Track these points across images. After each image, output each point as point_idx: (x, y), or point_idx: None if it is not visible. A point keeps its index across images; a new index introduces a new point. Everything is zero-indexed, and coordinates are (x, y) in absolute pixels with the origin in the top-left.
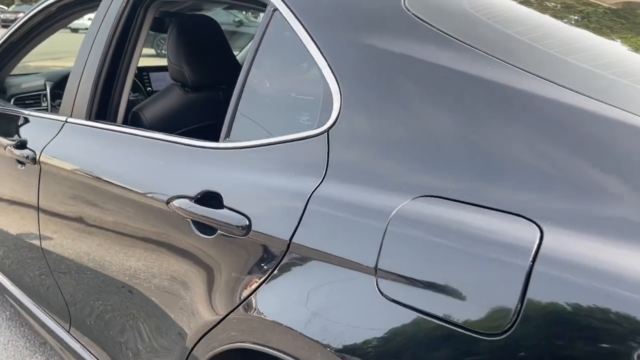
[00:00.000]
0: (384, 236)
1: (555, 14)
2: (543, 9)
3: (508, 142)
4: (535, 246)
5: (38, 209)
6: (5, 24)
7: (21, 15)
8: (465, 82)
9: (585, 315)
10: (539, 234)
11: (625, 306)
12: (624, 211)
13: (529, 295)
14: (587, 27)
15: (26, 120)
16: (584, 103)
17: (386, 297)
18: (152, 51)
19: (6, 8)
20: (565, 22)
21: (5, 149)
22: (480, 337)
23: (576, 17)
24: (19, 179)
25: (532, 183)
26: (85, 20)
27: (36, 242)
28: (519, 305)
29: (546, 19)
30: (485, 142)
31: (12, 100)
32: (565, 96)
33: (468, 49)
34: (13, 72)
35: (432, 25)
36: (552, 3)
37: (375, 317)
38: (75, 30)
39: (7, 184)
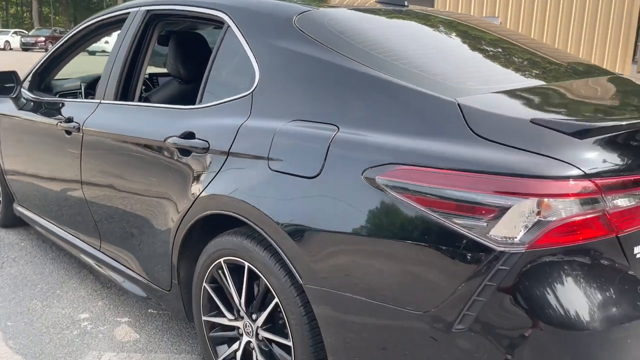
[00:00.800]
0: (272, 141)
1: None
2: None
3: (332, 92)
4: (332, 136)
5: (81, 164)
6: (26, 47)
7: (41, 38)
8: (321, 63)
9: (355, 166)
10: (336, 131)
11: (370, 161)
12: (385, 122)
13: (327, 159)
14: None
15: (71, 106)
16: (367, 70)
17: (272, 170)
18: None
19: (26, 32)
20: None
21: (57, 124)
22: (305, 178)
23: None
24: (66, 145)
25: (341, 109)
26: (102, 44)
27: (78, 188)
28: (322, 164)
29: (374, 33)
30: (323, 92)
31: (57, 96)
32: (362, 68)
33: (323, 47)
34: (57, 77)
35: (308, 35)
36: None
37: (266, 180)
38: (92, 53)
39: (57, 150)
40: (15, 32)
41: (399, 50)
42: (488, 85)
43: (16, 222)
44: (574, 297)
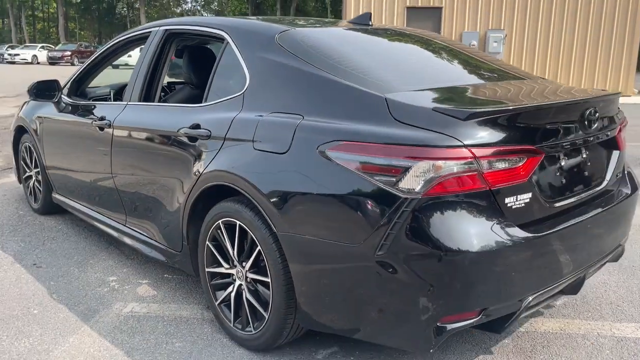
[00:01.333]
0: (256, 127)
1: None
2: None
3: (301, 91)
4: (298, 123)
5: (111, 154)
6: (53, 61)
7: (67, 53)
8: (294, 70)
9: (312, 143)
10: (301, 119)
11: (311, 140)
12: (334, 111)
13: (294, 139)
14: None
15: (103, 107)
16: (325, 74)
17: (255, 149)
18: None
19: (53, 47)
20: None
21: (92, 123)
22: (277, 154)
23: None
24: (99, 139)
25: (306, 103)
26: (125, 57)
27: (109, 175)
28: (290, 143)
29: (336, 46)
30: (294, 91)
31: (91, 101)
32: (321, 73)
33: (296, 57)
34: (91, 85)
35: (285, 48)
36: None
37: (251, 157)
38: (115, 67)
39: (91, 144)
40: (42, 47)
41: (351, 59)
42: (412, 85)
43: (53, 210)
44: (457, 231)
